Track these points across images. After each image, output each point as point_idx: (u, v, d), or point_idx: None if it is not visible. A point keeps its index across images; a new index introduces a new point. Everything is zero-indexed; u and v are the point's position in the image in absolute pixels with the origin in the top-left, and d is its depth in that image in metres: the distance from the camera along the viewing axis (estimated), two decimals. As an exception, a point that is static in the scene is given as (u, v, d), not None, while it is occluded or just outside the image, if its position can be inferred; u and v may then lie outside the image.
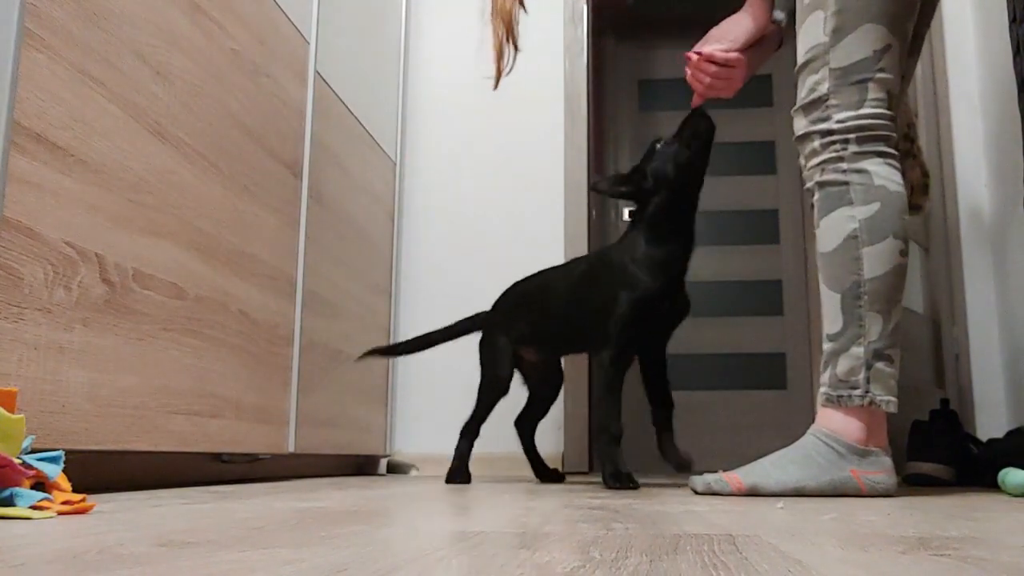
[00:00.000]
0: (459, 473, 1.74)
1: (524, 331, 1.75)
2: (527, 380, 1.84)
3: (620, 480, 1.45)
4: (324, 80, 1.94)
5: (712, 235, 3.57)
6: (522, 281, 1.83)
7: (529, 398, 1.85)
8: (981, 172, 2.42)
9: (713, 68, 1.51)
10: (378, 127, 2.34)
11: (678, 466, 1.56)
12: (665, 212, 1.56)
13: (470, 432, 1.78)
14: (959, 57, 2.49)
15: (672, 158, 1.55)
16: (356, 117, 2.16)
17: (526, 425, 1.85)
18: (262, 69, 1.61)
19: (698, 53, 1.54)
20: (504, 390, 1.77)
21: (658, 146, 1.58)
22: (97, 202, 1.11)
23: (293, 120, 1.76)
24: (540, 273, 1.81)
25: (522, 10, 1.68)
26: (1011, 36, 1.51)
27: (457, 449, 1.77)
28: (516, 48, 1.68)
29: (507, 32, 1.66)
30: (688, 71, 1.56)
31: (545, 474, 1.84)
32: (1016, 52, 1.47)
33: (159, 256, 1.25)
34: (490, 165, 2.59)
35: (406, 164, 2.59)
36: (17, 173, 0.97)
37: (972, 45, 2.49)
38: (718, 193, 3.60)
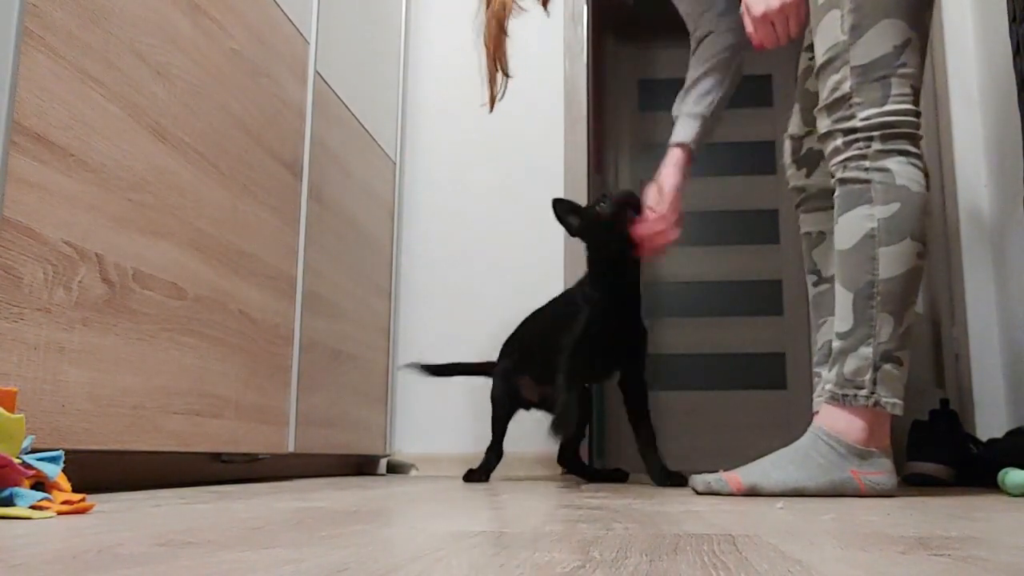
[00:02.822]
0: (477, 474, 1.80)
1: (517, 361, 1.85)
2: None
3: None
4: (324, 80, 1.94)
5: (712, 235, 3.57)
6: (531, 316, 1.92)
7: None
8: (981, 172, 2.42)
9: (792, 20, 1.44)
10: (378, 127, 2.34)
11: (667, 482, 1.62)
12: (603, 261, 1.68)
13: (493, 450, 1.85)
14: (959, 57, 2.49)
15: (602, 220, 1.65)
16: (356, 117, 2.16)
17: (567, 454, 1.93)
18: (262, 69, 1.61)
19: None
20: (505, 409, 1.87)
21: (601, 205, 1.68)
22: (97, 202, 1.11)
23: (293, 120, 1.76)
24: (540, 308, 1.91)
25: (507, 37, 1.66)
26: (1011, 36, 1.51)
27: (485, 459, 1.84)
28: (506, 75, 1.68)
29: (494, 59, 1.66)
30: (758, 29, 1.45)
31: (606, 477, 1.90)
32: (1016, 52, 1.47)
33: (159, 256, 1.25)
34: (490, 165, 2.59)
35: (406, 164, 2.59)
36: (17, 173, 0.97)
37: (972, 45, 2.49)
38: (718, 193, 3.60)
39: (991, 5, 2.34)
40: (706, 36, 1.70)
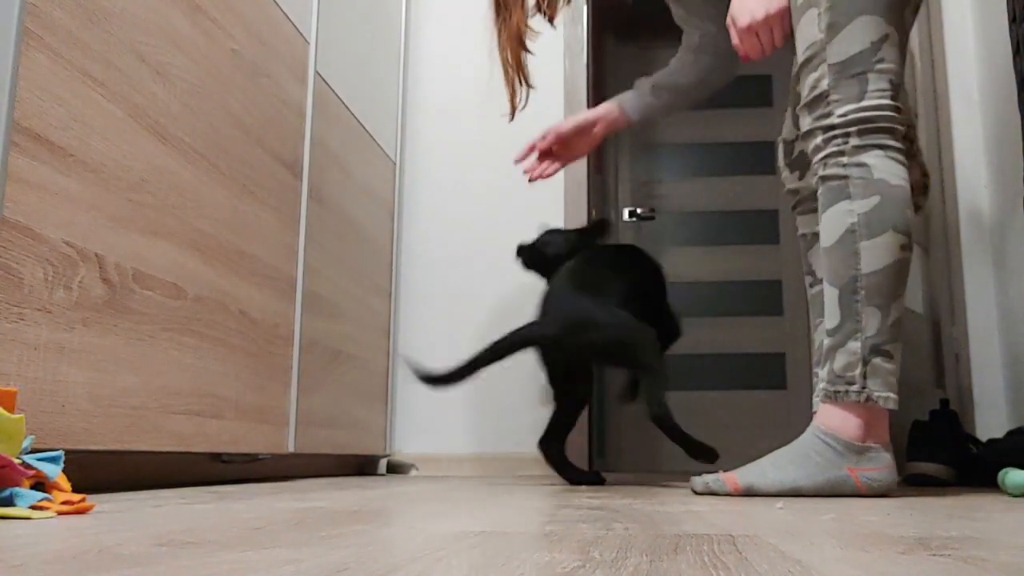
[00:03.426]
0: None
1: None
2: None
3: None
4: (324, 80, 1.94)
5: (712, 235, 3.57)
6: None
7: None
8: (981, 172, 2.42)
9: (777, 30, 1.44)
10: (378, 127, 2.34)
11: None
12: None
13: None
14: (959, 57, 2.49)
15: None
16: (356, 117, 2.16)
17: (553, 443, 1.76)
18: (262, 69, 1.61)
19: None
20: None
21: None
22: (97, 202, 1.11)
23: (293, 120, 1.76)
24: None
25: (528, 53, 1.72)
26: (1011, 36, 1.51)
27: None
28: (529, 85, 1.74)
29: (518, 72, 1.70)
30: (743, 40, 1.46)
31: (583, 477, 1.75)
32: (1016, 52, 1.47)
33: (159, 256, 1.25)
34: (490, 165, 2.59)
35: (406, 164, 2.59)
36: (17, 173, 0.97)
37: (972, 45, 2.49)
38: (718, 193, 3.60)
39: (991, 5, 2.34)
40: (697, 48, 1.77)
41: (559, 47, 2.62)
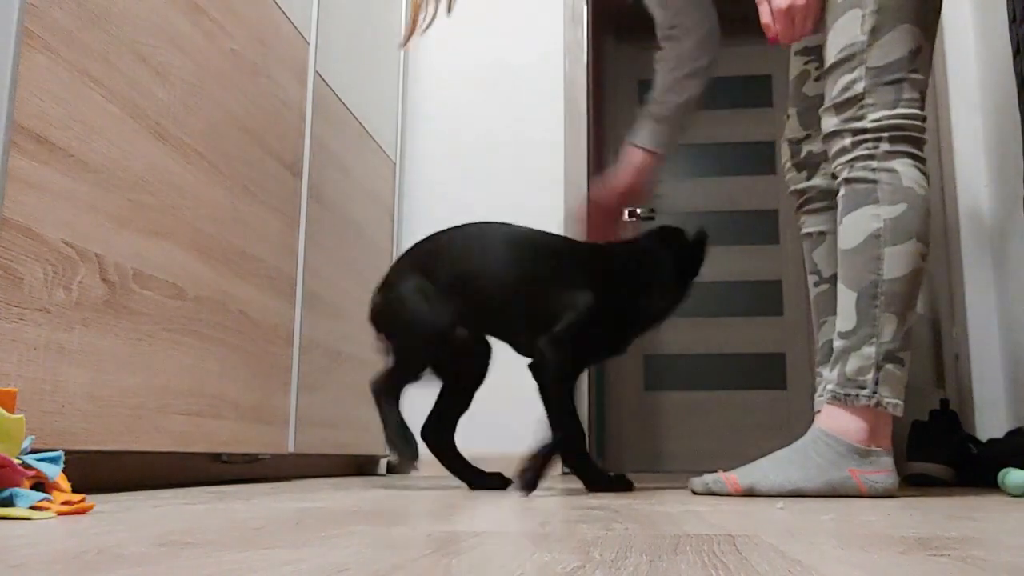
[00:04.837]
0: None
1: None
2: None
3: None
4: (324, 80, 1.94)
5: (712, 235, 3.57)
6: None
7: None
8: (981, 172, 2.42)
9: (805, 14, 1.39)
10: (378, 127, 2.34)
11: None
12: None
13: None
14: (959, 57, 2.49)
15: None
16: (356, 117, 2.16)
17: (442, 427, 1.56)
18: (262, 69, 1.61)
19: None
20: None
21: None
22: (97, 202, 1.11)
23: (293, 120, 1.76)
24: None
25: None
26: (1011, 36, 1.51)
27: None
28: (448, 9, 1.53)
29: None
30: (778, 21, 1.40)
31: (481, 479, 1.51)
32: (1016, 52, 1.47)
33: (159, 256, 1.25)
34: (490, 165, 2.59)
35: (406, 164, 2.59)
36: (17, 173, 0.97)
37: (972, 45, 2.49)
38: (718, 193, 3.60)
39: (991, 5, 2.34)
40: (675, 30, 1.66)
41: (559, 47, 2.62)
